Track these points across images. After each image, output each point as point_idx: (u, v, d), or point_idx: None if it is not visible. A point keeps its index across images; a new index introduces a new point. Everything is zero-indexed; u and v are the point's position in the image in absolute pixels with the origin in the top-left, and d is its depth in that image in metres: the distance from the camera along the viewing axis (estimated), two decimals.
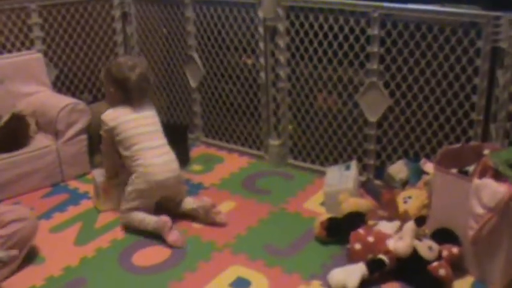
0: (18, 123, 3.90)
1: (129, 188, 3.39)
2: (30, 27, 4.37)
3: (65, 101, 4.05)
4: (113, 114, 3.43)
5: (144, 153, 3.36)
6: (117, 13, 4.79)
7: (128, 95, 3.42)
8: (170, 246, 3.24)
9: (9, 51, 4.29)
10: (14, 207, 3.30)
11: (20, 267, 3.07)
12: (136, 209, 3.38)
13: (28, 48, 4.37)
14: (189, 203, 3.50)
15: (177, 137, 4.22)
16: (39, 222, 3.28)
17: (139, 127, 3.41)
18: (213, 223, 3.42)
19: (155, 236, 3.32)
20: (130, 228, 3.39)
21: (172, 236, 3.25)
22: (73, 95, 4.57)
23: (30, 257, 3.16)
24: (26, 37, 4.38)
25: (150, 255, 3.19)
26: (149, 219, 3.32)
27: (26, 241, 3.07)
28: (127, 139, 3.38)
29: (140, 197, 3.37)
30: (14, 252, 2.85)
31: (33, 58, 4.27)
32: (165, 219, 3.27)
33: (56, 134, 3.95)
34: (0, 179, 3.74)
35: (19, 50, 4.34)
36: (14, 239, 3.00)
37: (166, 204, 3.51)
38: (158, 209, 3.45)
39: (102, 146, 3.56)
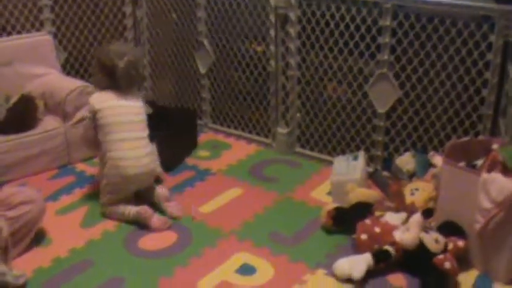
0: (26, 104, 3.90)
1: (103, 181, 3.40)
2: (40, 9, 4.37)
3: (73, 83, 4.06)
4: (100, 97, 3.42)
5: (119, 144, 3.34)
6: None
7: (115, 82, 3.40)
8: (157, 231, 3.26)
9: (19, 33, 4.29)
10: (22, 189, 3.31)
11: (28, 249, 3.09)
12: (116, 201, 3.37)
13: (38, 30, 4.37)
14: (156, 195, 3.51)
15: (186, 122, 4.25)
16: (47, 203, 3.29)
17: (122, 115, 3.38)
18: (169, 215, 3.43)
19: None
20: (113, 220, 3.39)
21: (155, 223, 3.27)
22: (82, 78, 4.57)
23: (37, 238, 3.18)
24: (36, 19, 4.38)
25: (156, 239, 3.20)
26: (129, 211, 3.33)
27: (33, 223, 3.09)
28: (106, 125, 3.35)
29: (115, 190, 3.37)
30: (23, 280, 2.86)
31: (42, 40, 4.27)
32: (145, 208, 3.29)
33: (64, 117, 3.95)
34: (8, 160, 3.76)
35: (29, 31, 4.34)
36: (21, 221, 3.02)
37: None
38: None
39: (83, 129, 3.56)
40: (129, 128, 3.38)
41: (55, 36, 4.47)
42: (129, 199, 3.42)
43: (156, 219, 3.28)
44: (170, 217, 3.38)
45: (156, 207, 3.44)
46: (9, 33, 4.28)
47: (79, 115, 3.44)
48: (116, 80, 3.39)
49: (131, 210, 3.32)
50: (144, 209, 3.29)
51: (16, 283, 2.81)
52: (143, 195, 3.50)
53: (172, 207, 3.44)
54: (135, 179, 3.37)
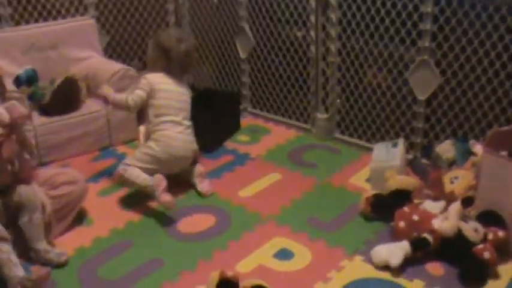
0: (70, 87, 3.97)
1: (146, 150, 3.45)
2: None
3: (116, 66, 4.12)
4: (156, 78, 3.51)
5: (172, 126, 3.44)
6: None
7: (170, 64, 3.51)
8: (162, 205, 3.28)
9: (64, 17, 4.35)
10: (65, 169, 3.38)
11: (70, 228, 3.17)
12: (146, 171, 3.40)
13: (82, 15, 4.43)
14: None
15: (229, 105, 4.29)
16: (89, 184, 3.36)
17: (174, 100, 3.50)
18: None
19: (200, 204, 3.40)
20: (123, 183, 3.45)
21: (165, 197, 3.24)
22: (123, 62, 4.62)
23: (79, 218, 3.25)
24: (80, 3, 4.44)
25: (195, 222, 3.24)
26: (145, 176, 3.36)
27: (75, 203, 3.16)
28: (161, 107, 3.46)
29: (154, 164, 3.42)
30: (65, 258, 2.93)
31: (86, 24, 4.34)
32: (160, 177, 3.30)
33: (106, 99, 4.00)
34: (51, 141, 3.84)
35: (73, 16, 4.40)
36: (64, 201, 3.09)
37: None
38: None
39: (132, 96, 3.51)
40: (180, 113, 3.50)
41: (98, 20, 4.53)
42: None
43: (165, 194, 3.26)
44: (200, 193, 3.50)
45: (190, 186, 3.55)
46: (54, 18, 4.35)
47: (117, 96, 3.48)
48: (171, 64, 3.50)
49: (147, 176, 3.35)
50: (159, 178, 3.29)
51: (58, 260, 2.89)
52: (180, 175, 3.57)
53: (204, 183, 3.54)
54: (181, 161, 3.49)
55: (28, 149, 3.00)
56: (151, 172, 3.38)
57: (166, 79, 3.51)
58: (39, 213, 2.89)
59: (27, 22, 4.24)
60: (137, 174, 3.37)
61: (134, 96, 3.46)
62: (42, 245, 2.89)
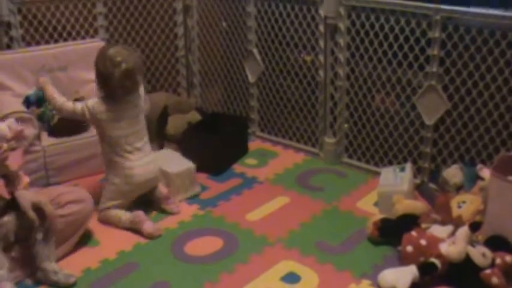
0: None
1: (111, 187, 3.44)
2: (95, 17, 4.47)
3: None
4: (101, 107, 3.33)
5: (128, 155, 3.39)
6: (179, 6, 4.85)
7: (111, 91, 3.31)
8: (148, 237, 3.31)
9: (74, 39, 4.39)
10: (72, 188, 3.38)
11: (76, 249, 3.16)
12: (118, 206, 3.44)
13: (92, 37, 4.46)
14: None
15: (237, 129, 4.31)
16: (96, 207, 3.37)
17: (122, 129, 3.36)
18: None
19: (208, 227, 3.40)
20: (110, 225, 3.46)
21: (148, 229, 3.31)
22: None
23: (86, 239, 3.26)
24: (91, 26, 4.48)
25: (203, 245, 3.24)
26: (125, 218, 3.38)
27: (82, 222, 3.16)
28: (111, 138, 3.37)
29: (121, 197, 3.44)
30: (73, 280, 2.92)
31: (96, 46, 4.32)
32: (138, 214, 3.36)
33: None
34: (59, 162, 3.86)
35: (83, 38, 4.44)
36: (70, 220, 3.08)
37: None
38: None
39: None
40: (131, 140, 3.40)
41: (108, 42, 4.56)
42: (129, 205, 3.51)
43: (148, 225, 3.33)
44: (171, 213, 3.54)
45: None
46: (65, 40, 4.39)
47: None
48: (111, 89, 3.30)
49: (127, 216, 3.38)
50: (137, 215, 3.36)
51: (67, 282, 2.89)
52: (143, 196, 3.59)
53: (170, 204, 3.56)
54: (144, 185, 3.49)
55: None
56: (126, 204, 3.45)
57: (110, 107, 3.34)
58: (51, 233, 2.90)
59: (38, 44, 4.27)
60: (118, 220, 3.40)
61: (80, 107, 3.36)
62: (51, 266, 2.89)
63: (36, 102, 3.88)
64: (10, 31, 4.16)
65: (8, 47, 4.17)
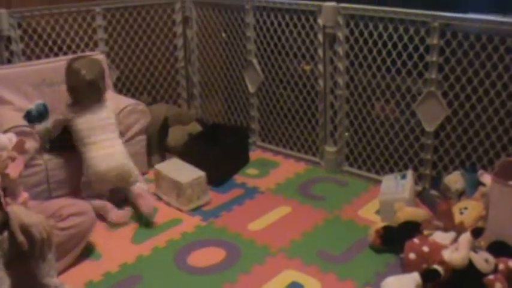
0: None
1: (82, 179, 3.70)
2: (94, 29, 4.49)
3: (125, 102, 4.14)
4: (72, 109, 3.73)
5: (92, 147, 3.66)
6: (178, 17, 4.86)
7: (79, 98, 3.73)
8: (114, 224, 3.56)
9: (74, 52, 4.40)
10: (74, 201, 3.38)
11: (78, 262, 3.16)
12: (91, 196, 3.64)
13: (92, 50, 4.48)
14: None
15: (238, 139, 4.32)
16: (98, 218, 3.36)
17: (91, 123, 3.69)
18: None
19: (210, 238, 3.40)
20: None
21: (113, 217, 3.57)
22: (133, 96, 4.67)
23: (88, 252, 3.25)
24: (90, 39, 4.50)
25: (205, 256, 3.23)
26: (94, 205, 3.48)
27: (83, 235, 3.15)
28: (79, 132, 3.68)
29: (91, 187, 3.66)
30: None
31: (96, 59, 4.37)
32: (103, 203, 3.63)
33: None
34: (60, 175, 3.86)
35: (83, 51, 4.45)
36: (72, 232, 3.08)
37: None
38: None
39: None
40: (99, 133, 3.68)
41: (108, 55, 4.58)
42: (105, 194, 3.71)
43: (114, 213, 3.57)
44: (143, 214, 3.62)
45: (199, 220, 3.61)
46: (65, 53, 4.41)
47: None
48: (78, 96, 3.73)
49: (95, 204, 3.55)
50: (102, 203, 3.62)
51: None
52: (124, 197, 3.78)
53: (141, 204, 3.61)
54: (108, 175, 3.63)
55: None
56: (99, 194, 3.68)
57: (80, 108, 3.72)
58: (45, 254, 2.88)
59: (38, 58, 4.30)
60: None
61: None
62: (52, 281, 2.85)
63: (38, 116, 3.90)
64: (10, 45, 4.19)
65: (9, 61, 4.19)
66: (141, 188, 3.70)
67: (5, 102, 3.98)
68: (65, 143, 3.86)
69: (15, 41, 4.19)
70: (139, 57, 4.82)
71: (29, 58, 4.28)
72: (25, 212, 2.69)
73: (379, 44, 3.69)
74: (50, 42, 4.35)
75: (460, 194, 3.35)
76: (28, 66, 4.08)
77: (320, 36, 3.95)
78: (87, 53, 4.34)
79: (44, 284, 2.84)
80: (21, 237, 2.62)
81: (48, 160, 3.81)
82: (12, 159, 2.86)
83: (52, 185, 3.84)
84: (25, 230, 2.62)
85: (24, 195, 2.96)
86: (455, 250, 2.80)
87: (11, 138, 2.93)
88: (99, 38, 4.53)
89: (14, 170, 2.85)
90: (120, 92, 4.68)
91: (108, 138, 3.70)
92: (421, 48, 3.50)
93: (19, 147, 2.92)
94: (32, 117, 3.85)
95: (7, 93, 3.98)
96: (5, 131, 3.52)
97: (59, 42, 4.39)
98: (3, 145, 2.85)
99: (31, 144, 3.67)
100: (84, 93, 3.70)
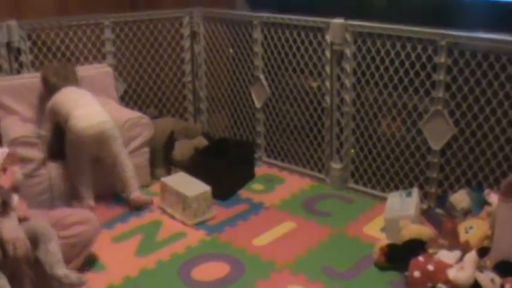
0: None
1: (66, 141, 3.85)
2: (103, 42, 4.52)
3: (129, 114, 4.17)
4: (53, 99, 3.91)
5: (74, 111, 3.78)
6: (186, 32, 4.88)
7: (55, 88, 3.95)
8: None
9: (82, 65, 4.43)
10: (77, 210, 3.40)
11: (81, 273, 3.10)
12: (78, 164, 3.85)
13: (100, 62, 4.50)
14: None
15: (244, 154, 4.32)
16: (102, 230, 3.36)
17: (70, 96, 3.88)
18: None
19: (214, 252, 3.39)
20: None
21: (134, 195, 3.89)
22: (140, 109, 4.68)
23: (92, 263, 3.26)
24: (99, 51, 4.53)
25: (210, 270, 3.23)
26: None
27: (87, 243, 3.16)
28: (60, 106, 3.84)
29: (74, 147, 3.81)
30: (85, 278, 2.93)
31: (103, 72, 4.41)
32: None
33: None
34: (64, 185, 3.89)
35: (91, 63, 4.48)
36: (75, 241, 3.08)
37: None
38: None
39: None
40: (79, 102, 3.86)
41: (116, 68, 4.61)
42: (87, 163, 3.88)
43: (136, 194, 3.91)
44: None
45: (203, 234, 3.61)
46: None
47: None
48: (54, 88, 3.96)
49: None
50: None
51: (80, 281, 2.88)
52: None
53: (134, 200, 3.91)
54: (90, 136, 3.78)
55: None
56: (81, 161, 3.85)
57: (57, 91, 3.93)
58: (54, 242, 2.88)
59: None
60: None
61: None
62: (62, 270, 2.86)
63: None
64: (20, 56, 4.22)
65: (18, 72, 4.21)
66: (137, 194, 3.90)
67: (12, 112, 4.02)
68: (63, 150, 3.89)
69: (24, 52, 4.22)
70: (146, 71, 4.84)
71: (38, 70, 4.29)
72: (10, 226, 2.77)
73: (387, 62, 3.70)
74: (58, 54, 4.38)
75: (466, 213, 3.34)
76: (36, 77, 4.09)
77: (327, 53, 3.96)
78: (95, 66, 4.38)
79: (55, 275, 2.85)
80: None
81: (52, 170, 3.82)
82: (4, 170, 2.87)
83: (55, 194, 3.86)
84: (1, 243, 2.71)
85: (17, 201, 2.96)
86: (461, 269, 2.79)
87: (3, 152, 2.95)
88: (107, 50, 4.56)
89: (5, 181, 2.86)
90: (127, 105, 4.70)
91: (89, 101, 3.89)
92: (428, 67, 3.50)
93: (11, 160, 2.93)
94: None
95: (14, 103, 4.02)
96: (12, 140, 3.57)
97: (67, 54, 4.42)
98: None
99: (35, 154, 3.71)
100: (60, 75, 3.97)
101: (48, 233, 2.89)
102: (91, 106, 3.85)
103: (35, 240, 2.86)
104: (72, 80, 4.01)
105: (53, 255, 2.87)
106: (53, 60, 4.36)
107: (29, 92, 4.03)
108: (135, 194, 3.90)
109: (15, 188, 2.96)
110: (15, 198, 2.93)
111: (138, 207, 3.90)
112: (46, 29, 4.30)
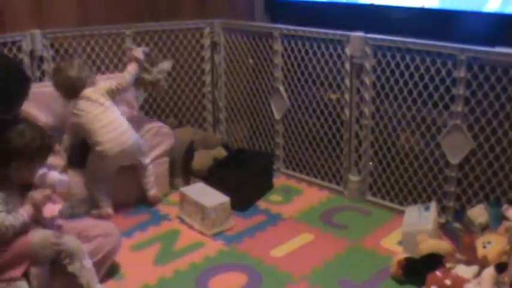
0: None
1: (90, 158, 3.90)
2: (124, 52, 4.55)
3: (150, 123, 4.20)
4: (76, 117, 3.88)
5: (99, 134, 3.82)
6: (206, 42, 4.91)
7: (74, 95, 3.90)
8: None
9: (103, 73, 4.47)
10: (100, 222, 3.43)
11: (100, 281, 3.13)
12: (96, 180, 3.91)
13: (121, 71, 4.52)
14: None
15: (262, 165, 4.35)
16: (121, 239, 3.38)
17: (93, 113, 3.83)
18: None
19: (232, 263, 3.41)
20: None
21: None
22: (159, 119, 4.71)
23: (111, 271, 3.27)
24: (120, 61, 4.56)
25: (227, 280, 3.25)
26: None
27: (109, 256, 3.19)
28: (84, 127, 3.85)
29: (96, 164, 3.88)
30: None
31: None
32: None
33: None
34: (83, 193, 3.92)
35: (112, 72, 4.52)
36: (98, 254, 3.10)
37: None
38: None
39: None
40: (102, 117, 3.84)
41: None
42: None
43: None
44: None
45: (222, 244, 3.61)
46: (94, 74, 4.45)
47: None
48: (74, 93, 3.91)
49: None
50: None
51: None
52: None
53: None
54: (117, 159, 3.88)
55: None
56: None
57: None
58: (88, 258, 2.93)
59: None
60: None
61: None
62: (99, 287, 2.93)
63: None
64: (42, 65, 4.27)
65: (40, 80, 4.27)
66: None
67: (34, 119, 4.04)
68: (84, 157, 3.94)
69: (47, 60, 4.28)
70: (166, 80, 4.85)
71: None
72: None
73: (406, 75, 3.71)
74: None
75: (484, 228, 3.33)
76: None
77: (347, 66, 3.97)
78: (116, 75, 4.41)
79: None
80: None
81: (72, 177, 3.85)
82: (52, 200, 2.92)
83: (75, 203, 3.88)
84: None
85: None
86: (478, 284, 2.79)
87: (62, 178, 3.03)
88: (128, 60, 4.59)
89: (48, 212, 2.91)
90: (147, 114, 4.74)
91: (111, 121, 3.84)
92: (448, 81, 3.51)
93: (61, 194, 2.99)
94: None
95: (35, 110, 4.04)
96: None
97: (89, 63, 4.46)
98: (53, 182, 2.96)
99: (57, 162, 3.74)
100: (70, 90, 3.88)
101: (82, 250, 2.93)
102: (116, 127, 3.85)
103: (69, 257, 2.89)
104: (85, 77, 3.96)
105: (88, 271, 2.90)
106: None
107: (50, 100, 4.06)
108: (153, 191, 4.06)
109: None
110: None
111: (154, 204, 4.08)
112: (68, 38, 4.35)
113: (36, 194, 2.85)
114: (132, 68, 4.00)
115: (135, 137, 3.92)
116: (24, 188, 2.89)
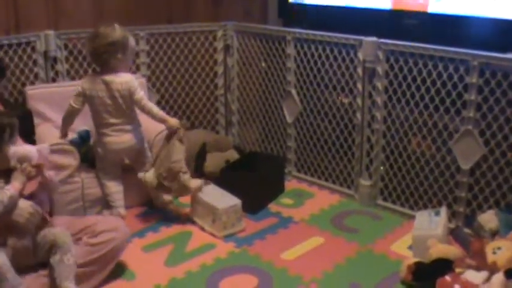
0: None
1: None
2: (137, 53, 4.57)
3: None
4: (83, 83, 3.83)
5: (102, 134, 3.84)
6: (219, 45, 4.94)
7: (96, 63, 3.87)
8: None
9: None
10: (106, 217, 3.44)
11: (111, 280, 3.20)
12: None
13: (134, 73, 4.55)
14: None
15: (274, 168, 4.36)
16: (133, 239, 3.41)
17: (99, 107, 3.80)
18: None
19: (243, 265, 3.42)
20: None
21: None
22: None
23: (122, 271, 3.30)
24: (133, 62, 4.55)
25: (238, 282, 3.26)
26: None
27: (116, 251, 3.18)
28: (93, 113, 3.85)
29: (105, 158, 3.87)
30: None
31: (137, 82, 4.45)
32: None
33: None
34: (96, 193, 3.94)
35: None
36: (104, 249, 3.11)
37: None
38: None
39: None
40: (108, 116, 3.80)
41: (149, 79, 4.68)
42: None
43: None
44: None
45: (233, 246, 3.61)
46: None
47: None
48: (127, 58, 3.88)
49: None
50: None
51: None
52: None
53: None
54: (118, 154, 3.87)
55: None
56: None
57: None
58: (70, 254, 2.91)
59: (81, 78, 4.38)
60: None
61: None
62: (71, 286, 2.89)
63: (82, 143, 4.00)
64: (56, 65, 4.31)
65: (53, 80, 4.31)
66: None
67: (47, 119, 4.09)
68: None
69: (60, 61, 4.32)
70: (179, 83, 4.90)
71: (72, 79, 4.40)
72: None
73: (418, 80, 3.72)
74: (93, 64, 4.44)
75: (494, 234, 3.33)
76: (71, 86, 4.13)
77: (359, 70, 3.99)
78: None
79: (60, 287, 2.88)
80: None
81: (85, 178, 3.89)
82: (30, 177, 2.93)
83: (87, 203, 3.91)
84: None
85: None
86: None
87: (41, 149, 3.02)
88: (141, 61, 4.64)
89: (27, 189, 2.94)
90: None
91: (118, 123, 3.79)
92: (460, 86, 3.52)
93: (43, 165, 2.98)
94: (77, 145, 3.93)
95: (49, 111, 4.10)
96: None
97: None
98: (29, 157, 2.93)
99: (70, 162, 3.76)
100: (94, 60, 3.80)
101: (68, 245, 2.93)
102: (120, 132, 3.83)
103: (53, 246, 2.91)
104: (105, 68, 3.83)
105: (65, 267, 2.89)
106: (88, 70, 4.43)
107: (64, 100, 4.08)
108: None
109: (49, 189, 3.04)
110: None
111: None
112: (82, 39, 4.36)
113: (16, 172, 2.88)
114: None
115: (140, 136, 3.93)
116: (8, 175, 2.89)
